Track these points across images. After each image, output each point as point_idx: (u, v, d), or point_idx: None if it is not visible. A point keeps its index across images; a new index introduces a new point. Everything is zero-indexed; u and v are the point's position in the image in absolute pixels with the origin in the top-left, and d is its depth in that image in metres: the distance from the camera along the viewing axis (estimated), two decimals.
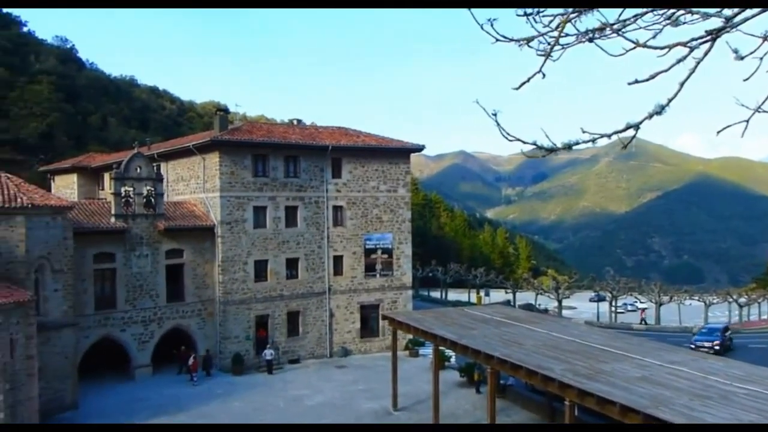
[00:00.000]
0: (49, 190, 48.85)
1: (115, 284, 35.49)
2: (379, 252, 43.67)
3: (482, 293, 71.17)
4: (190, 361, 35.70)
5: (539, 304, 65.81)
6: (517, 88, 4.58)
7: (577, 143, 4.52)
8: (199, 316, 38.45)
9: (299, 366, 39.78)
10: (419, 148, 46.41)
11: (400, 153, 44.79)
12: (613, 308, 61.91)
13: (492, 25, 4.29)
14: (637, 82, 4.51)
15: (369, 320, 43.49)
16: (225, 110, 44.67)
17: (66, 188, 53.38)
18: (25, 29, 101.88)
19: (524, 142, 4.60)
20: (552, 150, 4.53)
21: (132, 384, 35.22)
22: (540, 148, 4.56)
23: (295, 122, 48.87)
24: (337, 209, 42.56)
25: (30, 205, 28.30)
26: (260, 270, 39.81)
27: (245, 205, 39.16)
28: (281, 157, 40.40)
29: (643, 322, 58.15)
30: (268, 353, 38.26)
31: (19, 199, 28.23)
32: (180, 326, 37.86)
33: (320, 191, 41.82)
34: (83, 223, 34.13)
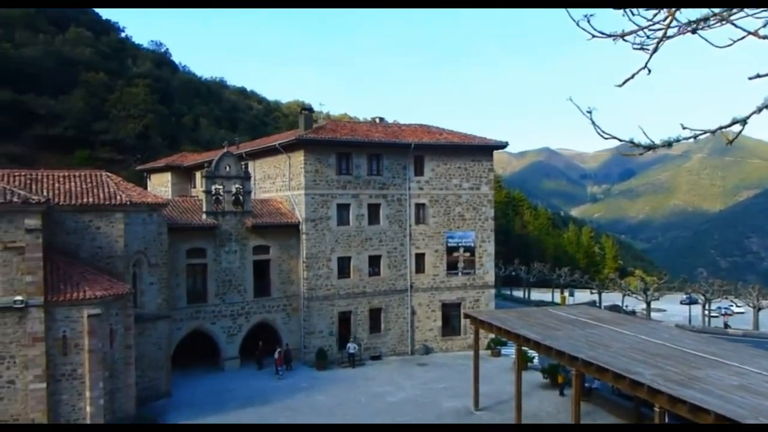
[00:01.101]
0: (145, 188, 51.32)
1: (206, 279, 36.88)
2: (462, 250, 43.42)
3: (566, 293, 69.57)
4: (276, 355, 36.59)
5: (626, 306, 63.63)
6: (620, 85, 4.46)
7: (678, 140, 4.36)
8: (284, 311, 39.41)
9: (381, 363, 40.11)
10: (502, 145, 45.83)
11: (483, 150, 44.37)
12: (706, 312, 59.12)
13: (589, 21, 4.19)
14: (759, 76, 4.28)
15: (450, 318, 43.33)
16: (309, 109, 45.52)
17: (161, 186, 55.86)
18: (123, 35, 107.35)
19: (620, 140, 4.48)
20: (650, 147, 4.38)
21: (221, 375, 36.49)
22: (637, 145, 4.42)
23: (377, 120, 49.27)
24: (419, 207, 42.62)
25: (129, 203, 29.80)
26: (343, 267, 40.40)
27: (329, 203, 39.82)
28: (364, 155, 40.83)
29: (726, 327, 55.50)
30: (351, 347, 38.93)
31: (118, 197, 29.78)
32: (266, 320, 38.93)
33: (403, 189, 41.99)
34: (177, 219, 35.64)
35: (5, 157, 65.07)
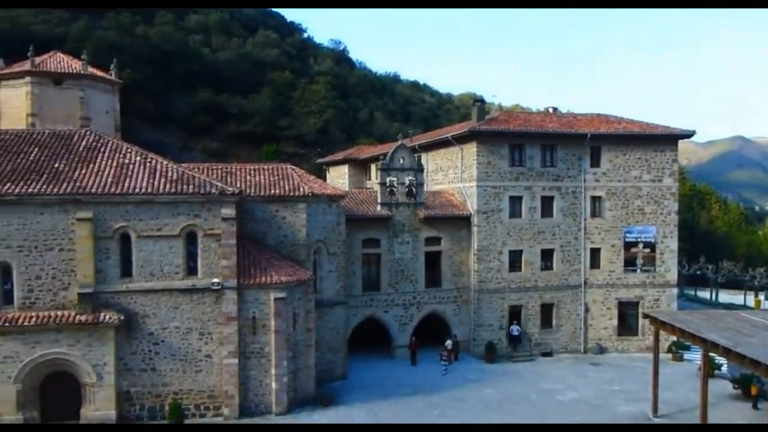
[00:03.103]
0: (325, 180, 54.05)
1: (380, 268, 38.21)
2: (641, 246, 41.06)
3: (762, 297, 63.17)
4: (445, 347, 36.85)
5: None
6: None
7: None
8: (454, 302, 39.78)
9: (551, 359, 39.15)
10: (688, 134, 42.60)
11: (666, 140, 41.54)
12: None
13: None
14: None
15: (627, 318, 41.18)
16: (481, 101, 45.23)
17: (339, 178, 58.59)
18: (305, 36, 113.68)
19: None
20: None
21: (392, 362, 37.65)
22: None
23: (551, 110, 47.91)
24: (595, 200, 40.93)
25: (311, 194, 31.71)
26: (515, 260, 39.91)
27: (501, 195, 39.49)
28: (538, 146, 39.97)
29: None
30: (515, 329, 39.08)
31: (301, 188, 31.78)
32: (436, 311, 39.54)
33: (578, 181, 40.55)
34: (353, 210, 37.26)
35: (204, 151, 71.92)
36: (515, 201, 39.82)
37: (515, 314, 39.80)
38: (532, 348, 39.55)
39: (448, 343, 37.47)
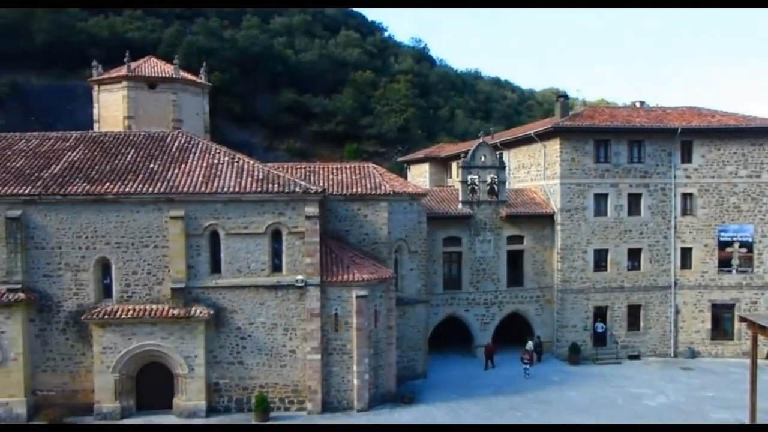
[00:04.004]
0: (405, 178, 54.30)
1: (461, 267, 38.03)
2: (736, 245, 39.05)
3: None
4: (526, 348, 36.20)
5: None
6: None
7: None
8: (537, 302, 39.11)
9: (639, 362, 37.83)
10: None
11: (765, 133, 39.31)
12: None
13: None
14: None
15: (721, 321, 39.27)
16: (565, 96, 44.17)
17: (419, 176, 58.67)
18: (386, 34, 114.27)
19: None
20: None
21: (473, 361, 37.43)
22: None
23: (638, 104, 46.25)
24: (686, 197, 39.25)
25: (392, 192, 31.93)
26: (600, 259, 38.82)
27: (585, 193, 38.51)
28: (624, 142, 38.72)
29: None
30: (600, 326, 38.34)
31: (383, 187, 32.04)
32: (518, 311, 39.00)
33: (667, 177, 39.00)
34: (434, 208, 37.25)
35: (288, 151, 73.58)
36: (600, 199, 38.72)
37: (600, 315, 38.73)
38: (618, 350, 38.36)
39: (529, 344, 36.82)
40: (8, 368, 27.42)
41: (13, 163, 29.76)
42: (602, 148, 38.81)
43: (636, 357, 38.45)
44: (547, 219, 38.86)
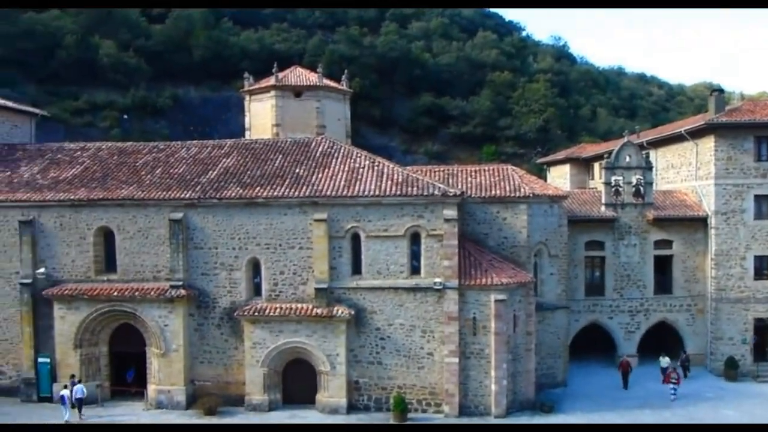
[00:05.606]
0: (545, 180, 53.02)
1: (604, 272, 36.59)
2: None
3: None
4: (664, 363, 33.89)
5: None
6: None
7: None
8: (687, 311, 36.77)
9: None
10: None
11: None
12: None
13: None
14: None
15: None
16: (719, 90, 41.19)
17: (559, 178, 57.07)
18: (524, 34, 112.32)
19: None
20: None
21: (616, 372, 35.67)
22: None
23: None
24: None
25: (531, 195, 31.34)
26: (761, 267, 35.80)
27: (744, 194, 35.68)
28: None
29: None
30: (750, 338, 35.31)
31: (522, 189, 31.53)
32: (666, 320, 36.88)
33: None
34: (575, 211, 36.14)
35: (426, 154, 74.38)
36: (762, 200, 35.71)
37: (762, 328, 35.65)
38: None
39: (665, 360, 34.02)
40: (170, 359, 29.91)
41: (176, 170, 32.43)
42: (764, 145, 35.79)
43: None
44: (699, 222, 36.45)
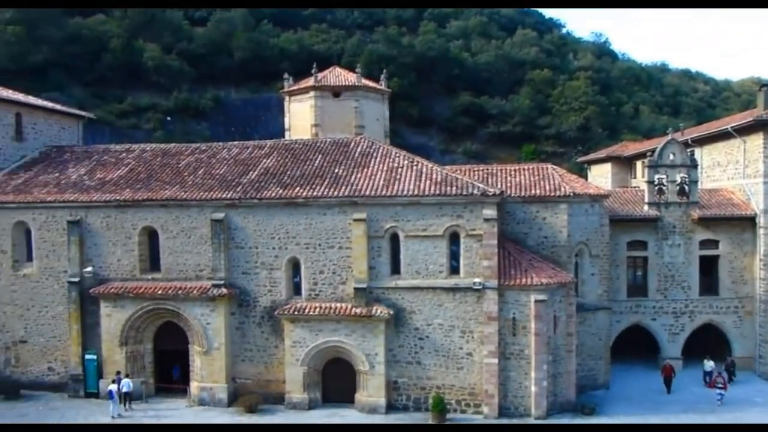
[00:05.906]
0: (585, 179, 52.31)
1: (647, 272, 35.91)
2: None
3: None
4: (708, 367, 33.09)
5: None
6: None
7: None
8: (735, 313, 35.82)
9: None
10: None
11: None
12: None
13: None
14: None
15: None
16: None
17: (600, 177, 56.23)
18: (564, 31, 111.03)
19: None
20: None
21: (659, 374, 34.89)
22: None
23: None
24: None
25: (572, 194, 30.92)
26: None
27: None
28: None
29: None
30: None
31: (562, 188, 31.14)
32: (713, 322, 35.99)
33: None
34: (617, 210, 35.55)
35: (465, 153, 74.09)
36: None
37: None
38: None
39: (709, 364, 33.26)
40: (212, 356, 30.40)
41: (217, 170, 32.95)
42: None
43: None
44: (747, 222, 35.50)
